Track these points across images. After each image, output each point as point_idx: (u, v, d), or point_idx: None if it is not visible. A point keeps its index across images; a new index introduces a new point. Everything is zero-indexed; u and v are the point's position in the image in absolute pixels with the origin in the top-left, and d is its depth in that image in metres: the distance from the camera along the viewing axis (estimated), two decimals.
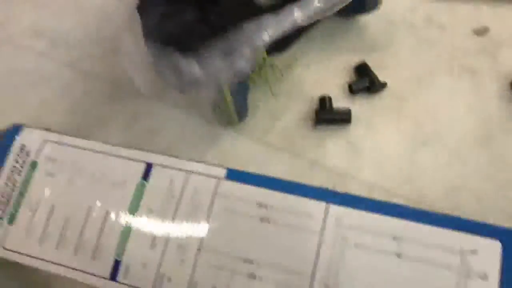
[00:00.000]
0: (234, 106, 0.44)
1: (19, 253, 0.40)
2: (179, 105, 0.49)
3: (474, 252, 0.34)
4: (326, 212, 0.37)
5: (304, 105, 0.48)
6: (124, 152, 0.42)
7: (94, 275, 0.39)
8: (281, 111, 0.48)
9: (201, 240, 0.38)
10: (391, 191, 0.42)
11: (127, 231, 0.39)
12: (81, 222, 0.40)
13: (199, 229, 0.38)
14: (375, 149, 0.45)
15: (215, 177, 0.39)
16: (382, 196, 0.40)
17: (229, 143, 0.47)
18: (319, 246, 0.36)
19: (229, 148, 0.46)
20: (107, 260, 0.39)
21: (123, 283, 0.38)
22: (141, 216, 0.39)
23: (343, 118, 0.47)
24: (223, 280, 0.36)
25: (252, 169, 0.39)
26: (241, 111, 0.46)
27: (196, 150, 0.47)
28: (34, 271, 0.42)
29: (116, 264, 0.38)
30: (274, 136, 0.47)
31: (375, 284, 0.34)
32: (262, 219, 0.37)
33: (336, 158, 0.45)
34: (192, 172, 0.40)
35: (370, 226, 0.35)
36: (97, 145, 0.43)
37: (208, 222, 0.38)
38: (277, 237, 0.37)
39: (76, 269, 0.39)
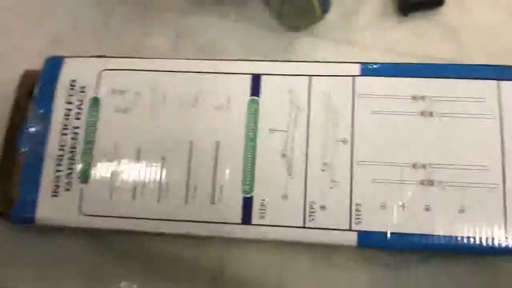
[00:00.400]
0: None
1: (105, 216, 0.30)
2: (231, 17, 0.39)
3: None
4: (499, 91, 0.30)
5: None
6: (215, 66, 0.32)
7: (219, 223, 0.30)
8: (356, 3, 0.39)
9: (351, 153, 0.30)
10: None
11: (250, 161, 0.30)
12: (184, 162, 0.31)
13: (344, 141, 0.30)
14: (478, 30, 0.38)
15: (347, 75, 0.31)
16: None
17: (307, 49, 0.38)
18: (502, 133, 0.29)
19: (310, 55, 0.38)
20: (234, 201, 0.30)
21: (261, 225, 0.29)
22: (265, 140, 0.31)
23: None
24: (392, 194, 0.29)
25: None
26: (324, 2, 0.37)
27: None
28: (128, 237, 0.32)
29: (246, 202, 0.30)
30: (359, 34, 0.38)
31: None
32: (423, 113, 0.30)
33: (436, 47, 0.38)
34: (315, 75, 0.31)
35: None
36: (176, 64, 0.33)
37: (353, 130, 0.30)
38: (446, 131, 0.30)
39: (190, 221, 0.30)
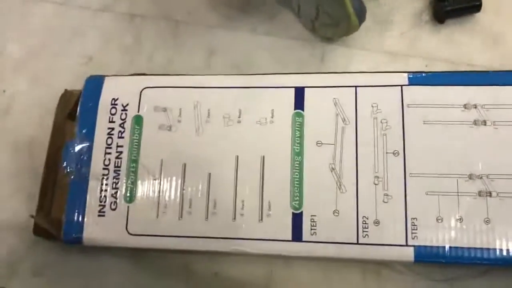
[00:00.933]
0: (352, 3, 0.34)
1: (152, 236, 0.30)
2: (261, 30, 0.38)
3: None
4: None
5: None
6: (258, 80, 0.32)
7: (269, 240, 0.29)
8: (389, 12, 0.39)
9: (404, 165, 0.29)
10: None
11: (298, 175, 0.29)
12: (231, 178, 0.30)
13: (396, 153, 0.29)
14: None
15: (395, 84, 0.30)
16: None
17: (343, 60, 0.37)
18: None
19: (347, 65, 0.37)
20: (282, 217, 0.29)
21: (312, 241, 0.29)
22: (312, 154, 0.30)
23: (473, 4, 0.38)
24: (449, 207, 0.28)
25: None
26: (360, 11, 0.36)
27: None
28: (171, 255, 0.32)
29: (296, 218, 0.29)
30: (395, 43, 0.37)
31: None
32: (476, 122, 0.29)
33: (476, 54, 0.36)
34: (361, 85, 0.31)
35: None
36: (217, 80, 0.32)
37: (404, 141, 0.29)
38: (501, 139, 0.29)
39: (239, 238, 0.29)
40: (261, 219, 0.29)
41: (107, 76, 0.33)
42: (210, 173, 0.30)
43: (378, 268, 0.31)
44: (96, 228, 0.30)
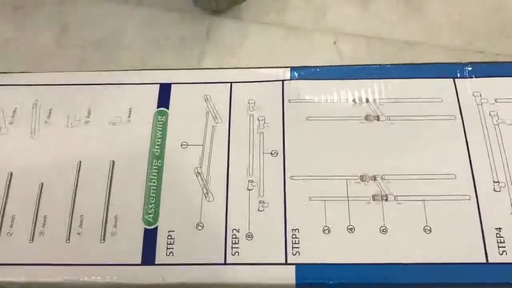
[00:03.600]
0: None
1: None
2: (132, 0, 0.32)
3: None
4: (456, 90, 0.25)
5: None
6: (110, 77, 0.27)
7: (112, 265, 0.22)
8: None
9: (283, 167, 0.24)
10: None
11: (155, 183, 0.23)
12: (69, 189, 0.24)
13: (274, 154, 0.24)
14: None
15: (275, 79, 0.26)
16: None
17: (233, 36, 0.31)
18: (465, 135, 0.24)
19: (238, 42, 0.31)
20: (131, 235, 0.23)
21: (167, 264, 0.22)
22: (174, 157, 0.24)
23: None
24: (338, 214, 0.22)
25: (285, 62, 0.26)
26: None
27: (189, 54, 0.31)
28: None
29: (148, 236, 0.22)
30: (298, 14, 0.32)
31: None
32: (368, 117, 0.25)
33: (395, 26, 0.32)
34: (236, 81, 0.26)
35: None
36: (60, 77, 0.27)
37: (284, 140, 0.24)
38: (398, 136, 0.24)
39: (73, 265, 0.22)
40: (103, 239, 0.22)
41: None
42: (42, 183, 0.24)
43: None
44: None
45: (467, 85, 0.25)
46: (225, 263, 0.22)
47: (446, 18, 0.32)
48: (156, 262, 0.22)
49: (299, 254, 0.22)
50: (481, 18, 0.32)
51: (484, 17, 0.32)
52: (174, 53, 0.31)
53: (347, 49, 0.31)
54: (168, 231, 0.22)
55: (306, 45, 0.32)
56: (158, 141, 0.24)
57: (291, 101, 0.25)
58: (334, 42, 0.32)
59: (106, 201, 0.23)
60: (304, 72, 0.26)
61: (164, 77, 0.26)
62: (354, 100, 0.25)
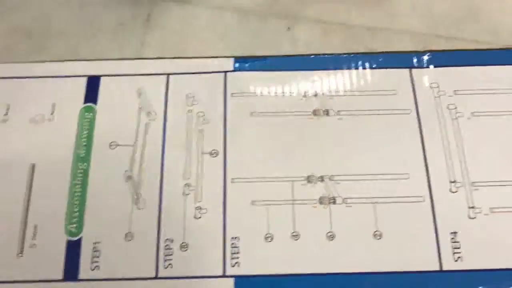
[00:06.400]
0: None
1: None
2: None
3: None
4: (412, 81, 0.23)
5: None
6: (30, 69, 0.24)
7: (31, 281, 0.20)
8: None
9: (223, 169, 0.21)
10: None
11: (80, 189, 0.21)
12: None
13: (214, 154, 0.22)
14: None
15: (217, 71, 0.24)
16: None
17: (176, 20, 0.29)
18: (421, 131, 0.22)
19: (178, 28, 0.28)
20: (52, 248, 0.20)
21: (93, 279, 0.20)
22: (101, 159, 0.22)
23: None
24: (282, 220, 0.20)
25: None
26: None
27: (127, 42, 0.28)
28: None
29: (72, 248, 0.20)
30: None
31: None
32: (316, 112, 0.23)
33: (354, 10, 0.30)
34: (174, 73, 0.24)
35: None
36: None
37: (226, 139, 0.22)
38: (348, 132, 0.22)
39: None
40: (21, 253, 0.20)
41: None
42: None
43: None
44: None
45: (424, 76, 0.23)
46: (156, 277, 0.20)
47: (410, 2, 0.30)
48: (80, 277, 0.20)
49: (238, 266, 0.20)
50: (447, 3, 0.30)
51: (449, 2, 0.30)
52: (110, 40, 0.28)
53: (302, 36, 0.29)
54: (94, 243, 0.20)
55: (257, 32, 0.29)
56: (83, 141, 0.22)
57: (234, 94, 0.23)
58: (288, 28, 0.29)
59: (25, 209, 0.21)
60: (248, 63, 0.24)
61: (93, 68, 0.24)
62: (302, 94, 0.23)
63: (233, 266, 0.20)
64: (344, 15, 0.29)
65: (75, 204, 0.21)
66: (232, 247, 0.20)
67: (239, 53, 0.25)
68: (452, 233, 0.20)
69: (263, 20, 0.30)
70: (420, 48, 0.25)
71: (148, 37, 0.28)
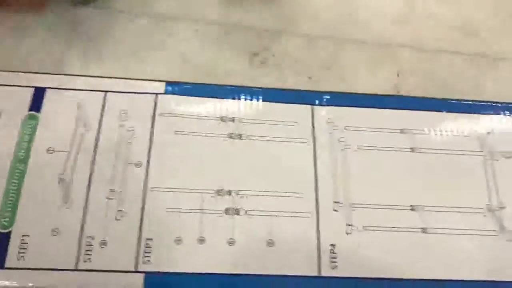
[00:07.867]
0: None
1: None
2: None
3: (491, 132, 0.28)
4: (312, 116, 0.27)
5: None
6: None
7: None
8: None
9: (145, 178, 0.25)
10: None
11: (15, 186, 0.24)
12: None
13: (138, 164, 0.25)
14: None
15: (149, 92, 0.27)
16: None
17: (101, 28, 0.30)
18: (315, 158, 0.26)
19: (106, 34, 0.30)
20: None
21: (18, 268, 0.22)
22: (38, 162, 0.25)
23: None
24: (190, 226, 0.24)
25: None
26: None
27: (50, 49, 0.29)
28: None
29: (3, 240, 0.23)
30: (163, 4, 0.31)
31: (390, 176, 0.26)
32: (231, 135, 0.26)
33: (259, 15, 0.32)
34: (112, 91, 0.27)
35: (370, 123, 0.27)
36: None
37: (150, 152, 0.25)
38: (255, 155, 0.26)
39: None
40: None
41: None
42: None
43: None
44: None
45: (323, 113, 0.27)
46: (76, 269, 0.23)
47: (301, 6, 0.33)
48: (6, 266, 0.22)
49: (150, 263, 0.23)
50: (334, 7, 0.33)
51: (336, 5, 0.33)
52: (33, 47, 0.30)
53: (206, 37, 0.31)
54: (22, 236, 0.23)
55: (168, 35, 0.31)
56: (24, 145, 0.25)
57: (162, 114, 0.26)
58: (196, 30, 0.31)
59: None
60: (178, 88, 0.27)
61: (40, 81, 0.27)
62: (221, 118, 0.27)
63: (144, 263, 0.23)
64: (241, 18, 0.32)
65: (10, 200, 0.24)
66: (145, 247, 0.23)
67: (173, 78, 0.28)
68: (331, 245, 0.24)
69: (174, 24, 0.32)
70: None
71: (72, 42, 0.30)
